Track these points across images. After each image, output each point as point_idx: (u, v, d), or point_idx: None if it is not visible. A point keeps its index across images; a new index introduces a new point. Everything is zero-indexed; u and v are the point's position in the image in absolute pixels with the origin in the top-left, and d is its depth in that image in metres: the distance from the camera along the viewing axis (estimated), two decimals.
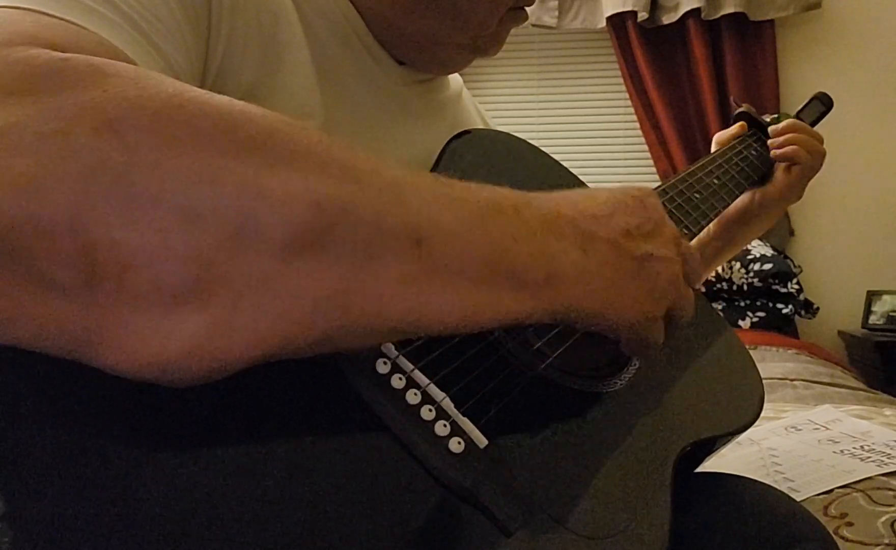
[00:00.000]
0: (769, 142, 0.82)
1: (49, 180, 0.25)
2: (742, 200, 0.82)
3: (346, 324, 0.30)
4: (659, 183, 0.70)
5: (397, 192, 0.31)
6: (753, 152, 0.83)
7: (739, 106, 0.90)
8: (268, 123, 0.30)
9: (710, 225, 0.80)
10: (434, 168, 0.56)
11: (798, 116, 0.92)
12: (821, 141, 0.84)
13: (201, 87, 0.44)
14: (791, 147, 0.81)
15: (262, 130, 0.29)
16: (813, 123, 0.92)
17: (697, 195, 0.69)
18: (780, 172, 0.81)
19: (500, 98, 2.86)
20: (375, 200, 0.30)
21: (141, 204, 0.26)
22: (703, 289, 2.34)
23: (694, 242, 0.76)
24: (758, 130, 0.86)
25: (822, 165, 0.83)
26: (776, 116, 0.91)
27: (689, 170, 0.74)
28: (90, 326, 0.26)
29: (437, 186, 0.34)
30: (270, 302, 0.28)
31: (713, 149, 0.84)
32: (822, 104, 0.92)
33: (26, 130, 0.25)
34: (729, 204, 0.76)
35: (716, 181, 0.74)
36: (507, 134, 0.65)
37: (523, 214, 0.36)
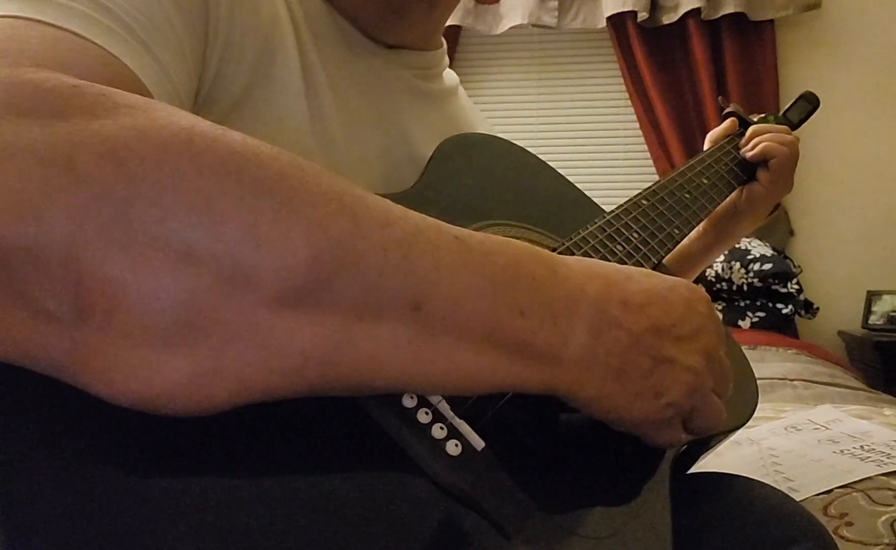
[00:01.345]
0: (741, 152, 0.84)
1: (48, 208, 0.24)
2: (731, 197, 0.83)
3: (334, 379, 0.29)
4: (655, 182, 0.70)
5: (405, 252, 0.30)
6: (741, 152, 0.84)
7: (727, 106, 0.91)
8: (279, 166, 0.29)
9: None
10: (424, 170, 0.56)
11: (785, 115, 0.93)
12: (787, 132, 0.85)
13: (197, 93, 0.44)
14: (761, 145, 0.82)
15: (272, 174, 0.28)
16: (800, 122, 0.93)
17: (688, 196, 0.70)
18: (761, 169, 0.83)
19: (499, 98, 2.86)
20: (380, 259, 0.30)
21: (137, 241, 0.25)
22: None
23: (685, 240, 0.77)
24: (746, 129, 0.87)
25: (797, 151, 0.84)
26: (763, 116, 0.92)
27: (680, 170, 0.75)
28: (75, 356, 0.26)
29: (454, 246, 0.33)
30: (257, 352, 0.27)
31: (706, 146, 0.86)
32: (808, 103, 0.93)
33: (32, 153, 0.25)
34: (719, 203, 0.77)
35: (705, 181, 0.75)
36: (498, 138, 0.65)
37: (541, 284, 0.35)
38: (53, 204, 0.25)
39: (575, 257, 0.39)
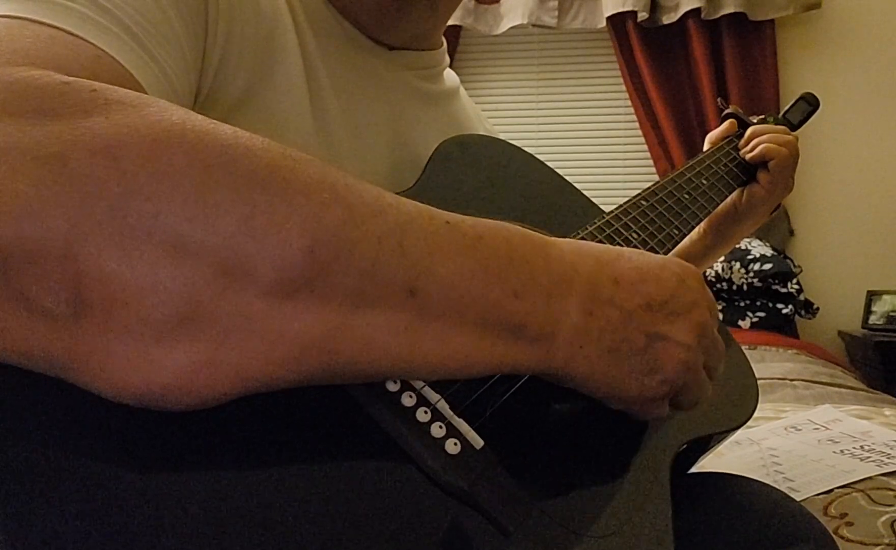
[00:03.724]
0: (741, 152, 0.84)
1: (44, 205, 0.24)
2: (731, 198, 0.83)
3: (332, 367, 0.30)
4: (654, 182, 0.70)
5: (399, 238, 0.31)
6: (740, 153, 0.84)
7: (726, 107, 0.91)
8: (270, 157, 0.29)
9: (701, 223, 0.81)
10: (423, 171, 0.56)
11: (785, 116, 0.93)
12: (786, 133, 0.85)
13: (197, 93, 0.44)
14: (760, 146, 0.82)
15: (264, 166, 0.28)
16: (800, 124, 0.93)
17: (687, 196, 0.70)
18: (760, 170, 0.83)
19: (499, 98, 2.86)
20: (374, 247, 0.30)
21: (133, 236, 0.25)
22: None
23: (685, 240, 0.77)
24: (745, 130, 0.87)
25: (797, 151, 0.84)
26: (763, 117, 0.92)
27: (679, 171, 0.75)
28: (75, 353, 0.26)
29: (446, 232, 0.33)
30: (256, 342, 0.28)
31: (705, 147, 0.86)
32: (808, 104, 0.93)
33: (25, 152, 0.25)
34: (718, 204, 0.77)
35: (704, 182, 0.75)
36: (497, 139, 0.65)
37: (533, 266, 0.36)
38: (48, 202, 0.25)
39: (565, 239, 0.39)
